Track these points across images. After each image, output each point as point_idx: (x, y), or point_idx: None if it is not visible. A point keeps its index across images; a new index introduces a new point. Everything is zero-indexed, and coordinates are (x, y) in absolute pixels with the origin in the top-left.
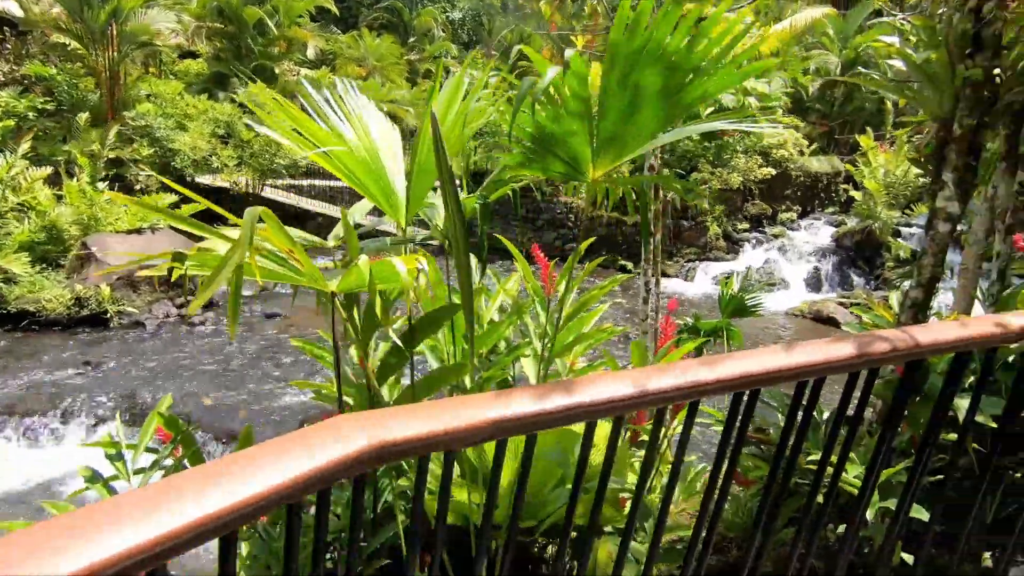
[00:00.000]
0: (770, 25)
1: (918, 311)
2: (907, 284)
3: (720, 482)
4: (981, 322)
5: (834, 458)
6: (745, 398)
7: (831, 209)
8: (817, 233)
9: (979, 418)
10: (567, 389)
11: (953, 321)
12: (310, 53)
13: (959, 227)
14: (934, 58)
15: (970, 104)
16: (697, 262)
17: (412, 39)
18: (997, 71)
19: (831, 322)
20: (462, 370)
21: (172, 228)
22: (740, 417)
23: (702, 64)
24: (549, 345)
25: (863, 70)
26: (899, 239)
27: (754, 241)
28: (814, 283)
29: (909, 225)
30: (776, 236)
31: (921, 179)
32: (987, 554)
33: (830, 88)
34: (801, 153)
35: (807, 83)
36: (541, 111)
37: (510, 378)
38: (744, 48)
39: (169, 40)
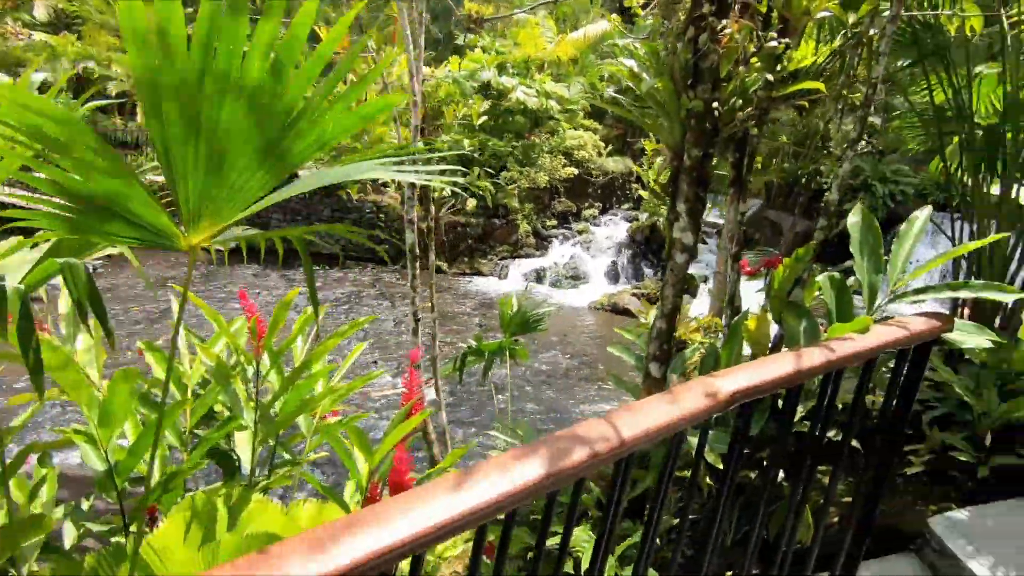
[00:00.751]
0: (567, 33)
1: (663, 342)
2: (653, 314)
3: None
4: (691, 394)
5: (556, 541)
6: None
7: (627, 206)
8: (616, 228)
9: (709, 457)
10: None
11: (663, 399)
12: (39, 13)
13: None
14: (660, 87)
15: (695, 135)
16: (510, 260)
17: (190, 9)
18: (716, 104)
19: (627, 313)
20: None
21: None
22: None
23: (301, 103)
24: (276, 409)
25: (612, 93)
26: None
27: (561, 237)
28: (613, 276)
29: None
30: (581, 232)
31: None
32: (728, 574)
33: (622, 95)
34: (599, 154)
35: (603, 89)
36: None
37: (233, 455)
38: (361, 79)
39: None
